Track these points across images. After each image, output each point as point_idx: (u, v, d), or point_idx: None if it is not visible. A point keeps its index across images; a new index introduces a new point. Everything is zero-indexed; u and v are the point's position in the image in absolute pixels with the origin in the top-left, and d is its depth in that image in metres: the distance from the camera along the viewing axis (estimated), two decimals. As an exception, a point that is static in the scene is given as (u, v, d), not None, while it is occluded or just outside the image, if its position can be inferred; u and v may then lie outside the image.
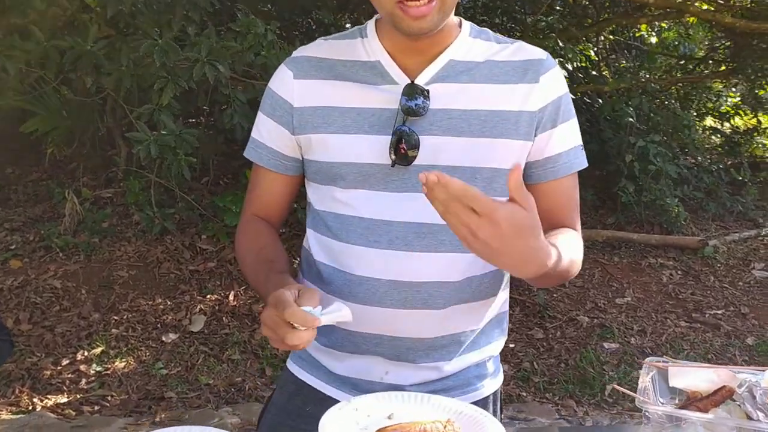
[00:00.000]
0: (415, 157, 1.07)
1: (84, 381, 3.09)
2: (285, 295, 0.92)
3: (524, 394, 3.16)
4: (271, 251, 1.18)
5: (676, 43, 7.74)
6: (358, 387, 1.19)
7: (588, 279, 4.28)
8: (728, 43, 6.57)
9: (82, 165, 4.53)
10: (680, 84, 6.92)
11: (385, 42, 1.12)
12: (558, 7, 6.17)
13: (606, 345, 3.51)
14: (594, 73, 6.85)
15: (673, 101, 6.83)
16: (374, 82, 1.11)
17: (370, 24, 1.16)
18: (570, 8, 6.44)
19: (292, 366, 1.28)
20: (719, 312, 3.88)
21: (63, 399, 2.96)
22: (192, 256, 4.03)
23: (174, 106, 3.56)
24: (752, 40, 5.84)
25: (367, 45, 1.14)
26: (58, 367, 3.15)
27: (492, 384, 1.26)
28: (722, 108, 6.69)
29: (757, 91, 6.30)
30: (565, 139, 1.14)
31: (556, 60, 1.08)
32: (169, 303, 3.65)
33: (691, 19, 6.11)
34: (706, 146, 6.12)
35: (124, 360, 3.24)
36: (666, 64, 7.69)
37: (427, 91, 1.08)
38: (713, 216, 5.19)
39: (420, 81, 1.10)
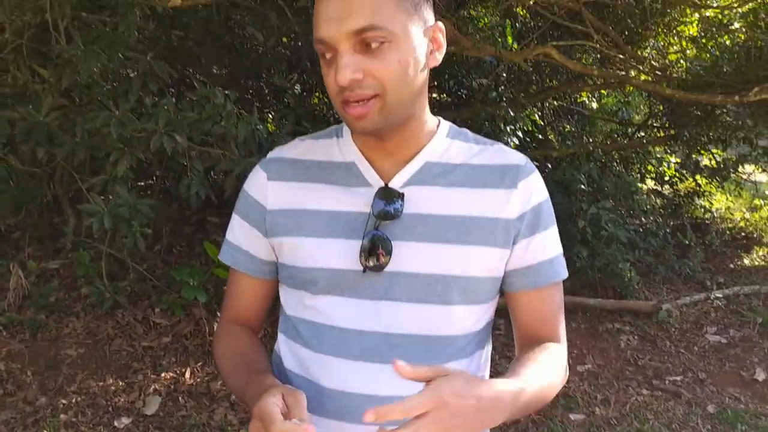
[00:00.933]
0: (387, 263, 1.04)
1: (29, 474, 2.88)
2: (270, 408, 0.86)
3: (495, 472, 3.10)
4: (249, 352, 1.13)
5: (616, 108, 8.10)
6: None
7: (548, 346, 4.29)
8: (665, 109, 6.90)
9: (28, 235, 4.33)
10: (622, 149, 7.20)
11: (358, 143, 1.11)
12: (504, 74, 6.38)
13: (572, 416, 3.50)
14: (540, 137, 7.07)
15: (615, 165, 7.09)
16: (349, 184, 1.09)
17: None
18: (515, 75, 6.67)
19: None
20: (678, 378, 3.93)
21: (7, 496, 2.74)
22: (145, 331, 3.86)
23: (128, 176, 3.47)
24: (689, 108, 6.15)
25: (342, 145, 1.12)
26: (1, 460, 2.93)
27: None
28: (663, 171, 6.95)
29: (694, 156, 6.59)
30: (546, 248, 1.12)
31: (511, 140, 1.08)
32: (121, 383, 3.47)
33: (630, 88, 6.39)
34: (649, 208, 6.33)
35: (73, 449, 3.04)
36: (607, 128, 8.01)
37: (402, 195, 1.06)
38: (663, 279, 5.32)
39: (395, 183, 1.08)
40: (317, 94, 5.69)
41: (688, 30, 5.94)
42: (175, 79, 4.10)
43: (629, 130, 7.56)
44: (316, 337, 1.08)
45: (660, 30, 5.83)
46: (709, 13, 5.63)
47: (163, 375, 3.56)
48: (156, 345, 3.77)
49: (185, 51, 4.82)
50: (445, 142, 1.11)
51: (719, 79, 5.43)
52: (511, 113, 5.36)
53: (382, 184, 1.08)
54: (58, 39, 3.31)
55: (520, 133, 5.52)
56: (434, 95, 7.00)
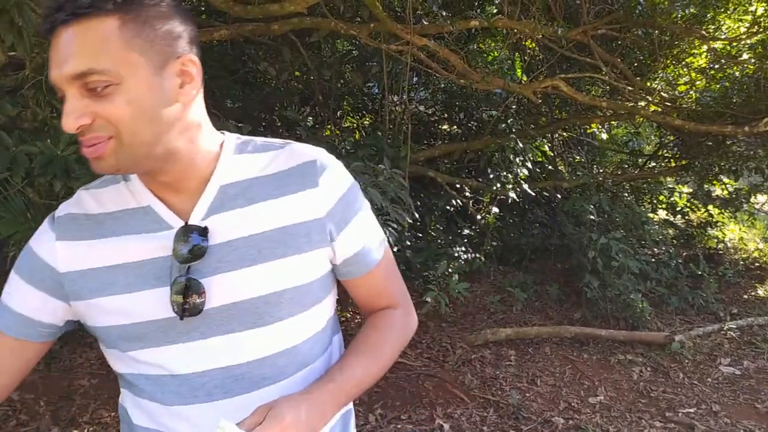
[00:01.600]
0: (202, 303, 1.01)
1: (41, 505, 2.89)
2: None
3: (506, 505, 3.07)
4: None
5: (626, 139, 8.14)
6: None
7: (559, 377, 4.27)
8: (675, 140, 6.93)
9: (43, 266, 4.40)
10: (632, 180, 7.22)
11: (147, 184, 1.05)
12: (513, 106, 6.45)
13: (584, 450, 3.47)
14: (550, 167, 7.11)
15: (626, 195, 7.10)
16: (149, 230, 1.03)
17: None
18: (525, 107, 6.73)
19: None
20: (692, 411, 3.89)
21: None
22: (157, 361, 3.89)
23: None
24: (699, 138, 6.17)
25: (132, 188, 1.06)
26: (13, 490, 2.95)
27: None
28: (674, 201, 6.94)
29: (706, 186, 6.59)
30: (362, 233, 1.13)
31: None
32: (133, 414, 3.49)
33: (640, 119, 6.43)
34: (661, 238, 6.31)
35: (84, 479, 3.05)
36: (617, 159, 8.04)
37: (206, 229, 1.02)
38: (676, 310, 5.29)
39: (195, 218, 1.03)
40: (329, 126, 5.77)
41: (697, 61, 6.00)
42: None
43: (639, 160, 7.59)
44: (160, 390, 1.05)
45: (669, 62, 5.89)
46: (717, 44, 5.69)
47: (174, 406, 3.58)
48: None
49: (200, 85, 4.91)
50: (233, 159, 1.07)
51: (729, 109, 5.46)
52: (520, 144, 5.40)
53: (182, 223, 1.03)
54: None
55: (529, 164, 5.56)
56: (444, 127, 7.08)
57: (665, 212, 7.26)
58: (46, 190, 3.99)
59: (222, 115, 3.88)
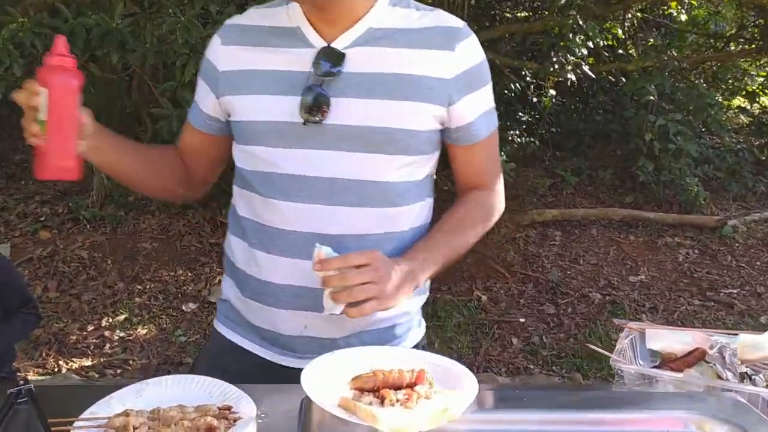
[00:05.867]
0: (325, 117, 1.13)
1: (108, 346, 3.23)
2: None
3: (531, 366, 3.22)
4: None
5: (706, 21, 7.61)
6: (278, 341, 1.24)
7: (603, 257, 4.30)
8: (759, 21, 6.45)
9: (109, 140, 4.66)
10: (708, 63, 6.82)
11: (304, 9, 1.17)
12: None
13: (616, 321, 3.53)
14: (621, 51, 6.78)
15: (701, 81, 6.74)
16: (293, 45, 1.17)
17: None
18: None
19: (218, 325, 1.34)
20: (734, 291, 3.88)
21: (87, 362, 3.10)
22: (212, 229, 4.15)
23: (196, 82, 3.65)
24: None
25: (290, 11, 1.19)
26: (84, 333, 3.30)
27: (416, 334, 1.33)
28: (748, 87, 6.56)
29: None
30: (480, 105, 1.21)
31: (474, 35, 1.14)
32: (189, 274, 3.78)
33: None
34: (734, 126, 6.04)
35: (146, 327, 3.37)
36: (695, 42, 7.57)
37: (343, 54, 1.14)
38: (735, 196, 5.14)
39: (337, 45, 1.15)
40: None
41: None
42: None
43: (718, 44, 7.13)
44: (266, 185, 1.18)
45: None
46: None
47: (228, 268, 3.84)
48: (222, 242, 4.05)
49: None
50: (386, 9, 1.17)
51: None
52: (581, 22, 5.16)
53: (324, 44, 1.15)
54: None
55: (591, 44, 5.33)
56: (506, 8, 6.81)
57: (741, 100, 6.88)
58: (106, 64, 4.16)
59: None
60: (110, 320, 3.39)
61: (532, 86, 5.84)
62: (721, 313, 3.63)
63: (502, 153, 4.90)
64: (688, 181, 4.67)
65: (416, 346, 1.32)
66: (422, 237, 1.23)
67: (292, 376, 1.07)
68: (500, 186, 1.32)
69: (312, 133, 1.15)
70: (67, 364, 3.08)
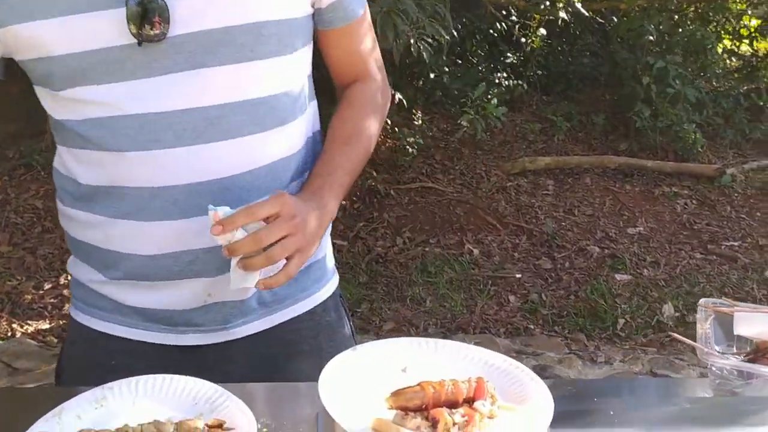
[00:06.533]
0: (166, 31, 0.84)
1: (67, 306, 2.92)
2: None
3: (532, 326, 3.02)
4: None
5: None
6: (171, 320, 0.98)
7: (598, 207, 4.09)
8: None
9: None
10: (699, 3, 6.56)
11: None
12: None
13: (618, 276, 3.36)
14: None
15: (689, 22, 6.50)
16: None
17: None
18: None
19: (77, 315, 1.06)
20: (735, 244, 3.71)
21: (44, 325, 2.82)
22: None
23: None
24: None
25: None
26: (40, 292, 3.02)
27: (330, 287, 1.12)
28: (739, 29, 6.33)
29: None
30: None
31: None
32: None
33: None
34: (723, 68, 5.82)
35: (109, 285, 3.09)
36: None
37: None
38: (731, 143, 4.95)
39: None
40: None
41: None
42: None
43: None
44: (111, 135, 0.89)
45: None
46: None
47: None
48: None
49: None
50: None
51: None
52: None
53: None
54: None
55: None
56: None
57: (729, 41, 6.65)
58: None
59: None
60: (69, 277, 3.08)
61: (517, 26, 5.55)
62: (724, 267, 3.47)
63: (490, 95, 4.64)
64: (685, 127, 4.46)
65: (333, 295, 1.11)
66: (318, 155, 1.01)
67: (195, 358, 0.96)
68: (382, 70, 1.13)
69: (154, 54, 0.86)
70: (21, 327, 2.80)
